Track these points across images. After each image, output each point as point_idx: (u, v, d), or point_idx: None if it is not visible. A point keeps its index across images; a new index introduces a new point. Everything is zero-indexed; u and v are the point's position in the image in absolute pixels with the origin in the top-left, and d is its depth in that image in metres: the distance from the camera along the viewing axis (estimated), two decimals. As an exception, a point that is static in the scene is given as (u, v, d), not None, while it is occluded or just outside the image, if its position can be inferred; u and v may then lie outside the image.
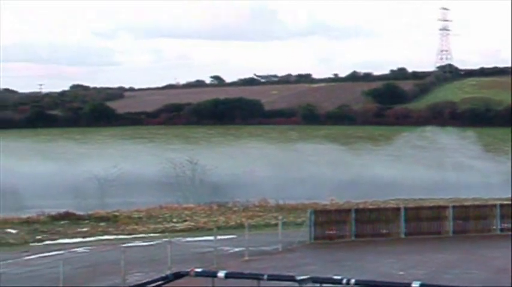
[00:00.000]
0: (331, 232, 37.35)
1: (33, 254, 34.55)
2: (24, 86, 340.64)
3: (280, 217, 37.70)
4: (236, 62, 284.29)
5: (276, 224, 36.34)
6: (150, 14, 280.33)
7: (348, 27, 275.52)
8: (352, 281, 22.53)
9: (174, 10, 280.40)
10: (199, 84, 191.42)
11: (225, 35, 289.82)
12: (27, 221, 46.64)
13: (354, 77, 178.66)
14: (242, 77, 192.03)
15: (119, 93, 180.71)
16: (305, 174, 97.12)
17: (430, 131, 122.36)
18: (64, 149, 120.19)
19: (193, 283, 24.75)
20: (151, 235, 41.17)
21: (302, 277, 23.02)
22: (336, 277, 23.06)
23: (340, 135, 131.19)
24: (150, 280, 25.14)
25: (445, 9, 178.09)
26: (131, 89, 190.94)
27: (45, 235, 41.81)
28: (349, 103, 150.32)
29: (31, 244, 38.86)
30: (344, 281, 22.72)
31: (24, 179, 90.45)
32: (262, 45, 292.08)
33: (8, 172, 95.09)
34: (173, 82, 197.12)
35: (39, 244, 39.15)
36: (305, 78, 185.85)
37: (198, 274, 24.78)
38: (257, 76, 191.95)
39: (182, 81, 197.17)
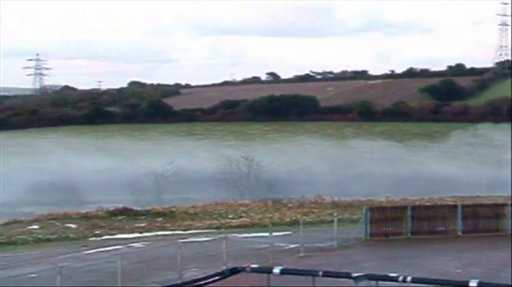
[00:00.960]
0: (386, 229, 37.18)
1: (92, 249, 35.13)
2: (83, 83, 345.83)
3: (335, 214, 37.61)
4: (292, 59, 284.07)
5: (331, 221, 36.26)
6: (207, 11, 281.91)
7: (405, 23, 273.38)
8: (409, 278, 22.43)
9: (230, 7, 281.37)
10: (255, 80, 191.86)
11: (281, 32, 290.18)
12: (86, 217, 47.40)
13: (410, 73, 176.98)
14: (298, 73, 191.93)
15: (175, 90, 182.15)
16: (361, 171, 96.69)
17: (487, 127, 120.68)
18: (121, 145, 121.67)
19: (249, 279, 24.91)
20: (207, 230, 41.48)
21: (358, 274, 22.98)
22: (392, 275, 22.98)
23: (396, 132, 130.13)
24: (206, 275, 25.40)
25: (504, 3, 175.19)
26: (187, 86, 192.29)
27: (103, 230, 42.47)
28: (406, 100, 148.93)
29: (90, 239, 39.52)
30: (400, 278, 22.63)
31: (84, 175, 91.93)
32: (319, 42, 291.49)
33: (68, 168, 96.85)
34: (229, 79, 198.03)
35: (98, 238, 39.78)
36: (361, 75, 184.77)
37: (253, 270, 24.93)
38: (313, 73, 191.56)
39: (238, 78, 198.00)
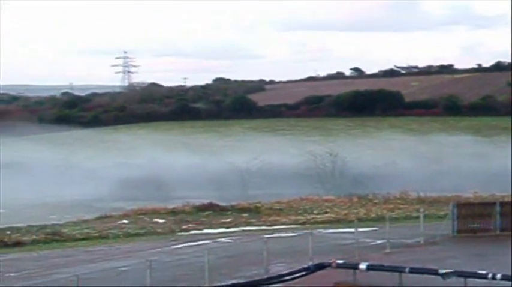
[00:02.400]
0: (474, 226, 36.64)
1: (180, 243, 35.78)
2: (169, 80, 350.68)
3: (421, 210, 37.28)
4: (377, 54, 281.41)
5: (417, 217, 35.97)
6: (292, 7, 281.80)
7: (492, 16, 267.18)
8: (498, 276, 22.13)
9: (315, 3, 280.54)
10: (339, 76, 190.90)
11: (365, 27, 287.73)
12: (174, 211, 48.29)
13: (498, 67, 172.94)
14: (382, 68, 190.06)
15: (259, 86, 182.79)
16: (447, 166, 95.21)
17: None
18: (207, 141, 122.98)
19: (335, 275, 25.01)
20: (293, 226, 41.69)
21: (445, 271, 22.79)
22: (481, 272, 22.69)
23: (484, 127, 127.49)
24: (292, 270, 25.61)
25: None
26: (272, 82, 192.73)
27: (190, 225, 43.19)
28: (494, 94, 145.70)
29: (178, 234, 40.25)
30: (489, 276, 22.34)
31: (171, 171, 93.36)
32: (403, 36, 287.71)
33: (156, 164, 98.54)
34: (313, 74, 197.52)
35: (185, 233, 40.48)
36: (447, 69, 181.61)
37: (339, 266, 25.03)
38: (397, 67, 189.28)
39: (322, 74, 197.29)
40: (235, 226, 42.66)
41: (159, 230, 41.54)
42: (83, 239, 39.04)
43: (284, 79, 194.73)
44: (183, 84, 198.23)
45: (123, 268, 28.12)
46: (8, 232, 41.15)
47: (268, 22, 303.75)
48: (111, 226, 43.32)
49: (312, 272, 25.03)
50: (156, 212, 48.23)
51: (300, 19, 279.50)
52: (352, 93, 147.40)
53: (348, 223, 39.58)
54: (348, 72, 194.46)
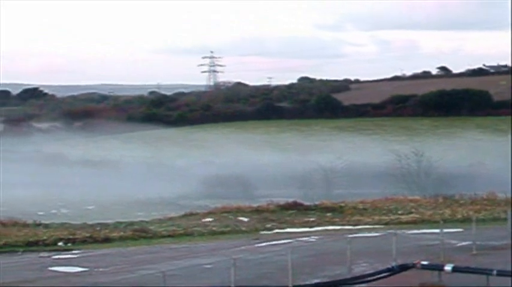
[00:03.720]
0: None
1: (263, 242, 35.98)
2: (254, 79, 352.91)
3: (509, 211, 36.48)
4: (465, 52, 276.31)
5: (505, 219, 35.21)
6: (377, 6, 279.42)
7: None
8: None
9: (402, 1, 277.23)
10: (425, 75, 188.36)
11: (453, 25, 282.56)
12: (258, 210, 48.63)
13: None
14: (470, 67, 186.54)
15: (344, 85, 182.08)
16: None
17: None
18: (291, 140, 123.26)
19: (419, 276, 24.76)
20: (376, 226, 41.42)
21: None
22: None
23: None
24: (376, 271, 25.48)
25: None
26: (357, 81, 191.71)
27: (274, 224, 43.41)
28: None
29: (261, 232, 40.50)
30: None
31: (255, 169, 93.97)
32: (493, 35, 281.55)
33: (241, 162, 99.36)
34: (399, 73, 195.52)
35: (269, 232, 40.70)
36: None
37: (424, 267, 24.75)
38: (486, 66, 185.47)
39: (408, 73, 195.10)
40: (319, 225, 42.65)
41: (243, 228, 41.89)
42: (169, 236, 39.72)
43: (369, 78, 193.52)
44: (267, 83, 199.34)
45: (207, 266, 28.50)
46: (98, 228, 42.26)
47: (354, 21, 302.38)
48: (196, 223, 43.94)
49: (396, 273, 24.83)
50: (240, 211, 48.68)
51: (386, 18, 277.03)
52: (438, 92, 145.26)
53: (433, 223, 39.03)
54: (434, 71, 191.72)
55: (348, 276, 25.36)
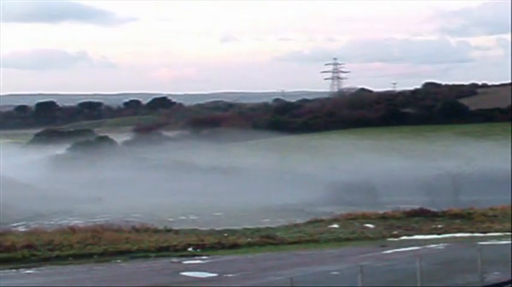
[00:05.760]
0: None
1: (390, 249, 35.79)
2: (378, 85, 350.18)
3: None
4: None
5: None
6: (504, 8, 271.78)
7: None
8: None
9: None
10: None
11: None
12: (384, 217, 48.42)
13: None
14: None
15: (471, 89, 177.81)
16: None
17: None
18: (416, 146, 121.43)
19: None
20: (507, 233, 40.40)
21: None
22: None
23: None
24: (508, 279, 24.90)
25: None
26: (484, 86, 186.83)
27: (400, 231, 43.10)
28: None
29: (388, 239, 40.29)
30: None
31: (380, 176, 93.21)
32: None
33: (365, 169, 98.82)
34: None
35: (395, 239, 40.44)
36: None
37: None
38: None
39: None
40: (447, 232, 42.03)
41: (369, 235, 41.79)
42: (295, 242, 40.09)
43: (497, 82, 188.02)
44: (392, 89, 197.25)
45: (334, 272, 28.61)
46: (225, 234, 43.12)
47: (479, 25, 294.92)
48: (321, 230, 44.16)
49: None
50: (366, 217, 48.57)
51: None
52: None
53: None
54: None
55: (480, 285, 24.91)
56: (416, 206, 52.06)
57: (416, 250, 34.18)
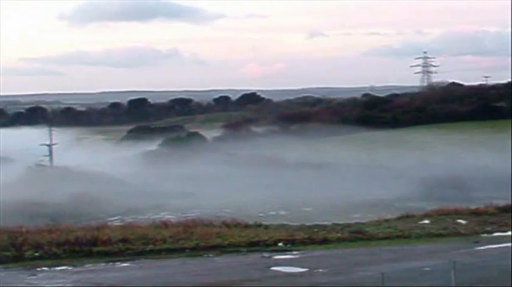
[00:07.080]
0: None
1: (483, 245, 35.30)
2: (470, 79, 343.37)
3: None
4: None
5: None
6: None
7: None
8: None
9: None
10: None
11: None
12: (476, 212, 47.70)
13: None
14: None
15: None
16: None
17: None
18: (508, 140, 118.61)
19: None
20: None
21: None
22: None
23: None
24: None
25: None
26: None
27: (494, 227, 42.40)
28: None
29: (481, 235, 39.71)
30: None
31: (471, 171, 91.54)
32: None
33: (456, 163, 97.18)
34: None
35: (489, 235, 39.82)
36: None
37: None
38: None
39: None
40: (542, 229, 41.12)
41: (461, 231, 41.28)
42: (385, 238, 39.93)
43: None
44: (484, 83, 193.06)
45: (426, 268, 28.45)
46: (315, 230, 43.28)
47: None
48: (412, 225, 43.82)
49: None
50: (458, 213, 47.94)
51: None
52: None
53: None
54: None
55: None
56: (510, 202, 50.99)
57: (510, 246, 33.58)
